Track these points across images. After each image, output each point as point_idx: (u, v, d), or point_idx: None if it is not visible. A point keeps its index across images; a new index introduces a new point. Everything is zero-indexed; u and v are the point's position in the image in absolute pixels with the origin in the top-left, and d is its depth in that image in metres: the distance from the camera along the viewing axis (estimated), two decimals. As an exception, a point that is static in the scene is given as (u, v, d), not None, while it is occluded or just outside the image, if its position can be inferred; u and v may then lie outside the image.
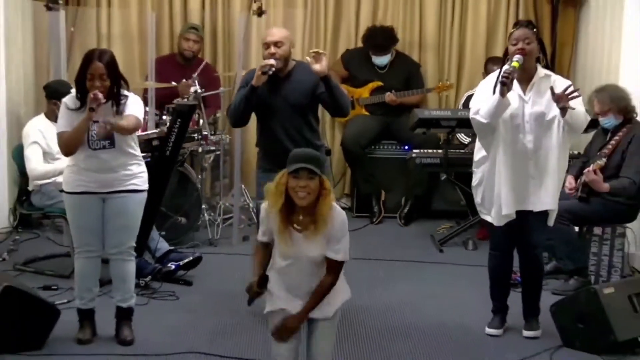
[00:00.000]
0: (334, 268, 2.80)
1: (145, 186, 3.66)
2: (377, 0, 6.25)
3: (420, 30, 6.25)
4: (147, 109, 5.19)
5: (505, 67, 3.50)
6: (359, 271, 4.71)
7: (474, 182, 3.75)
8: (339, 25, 6.29)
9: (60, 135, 3.53)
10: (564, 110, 3.45)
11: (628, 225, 4.51)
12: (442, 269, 4.86)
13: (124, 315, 3.69)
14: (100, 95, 3.39)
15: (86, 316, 3.67)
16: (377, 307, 4.18)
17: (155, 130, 4.85)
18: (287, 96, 3.74)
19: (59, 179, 4.07)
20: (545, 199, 3.60)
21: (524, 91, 3.59)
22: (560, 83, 3.59)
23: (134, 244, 3.68)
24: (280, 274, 2.84)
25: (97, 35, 6.08)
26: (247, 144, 6.03)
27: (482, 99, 3.58)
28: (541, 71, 3.61)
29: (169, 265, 4.42)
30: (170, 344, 3.65)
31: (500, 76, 3.44)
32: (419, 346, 3.70)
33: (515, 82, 3.54)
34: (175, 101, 4.88)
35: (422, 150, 5.46)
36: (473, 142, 5.02)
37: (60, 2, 5.14)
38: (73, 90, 3.58)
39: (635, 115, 4.44)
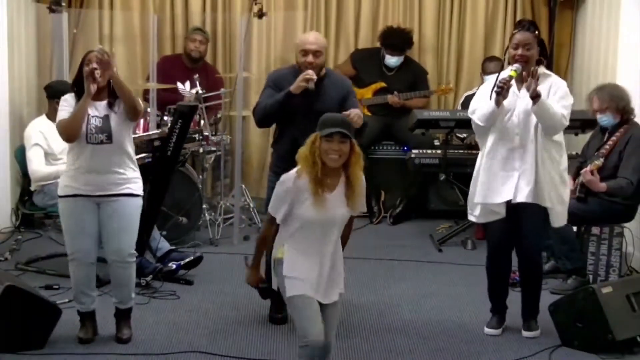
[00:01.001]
0: (352, 220, 3.08)
1: (140, 192, 3.62)
2: (377, 3, 6.27)
3: (419, 32, 6.28)
4: (149, 109, 5.24)
5: (503, 73, 3.53)
6: (358, 270, 4.74)
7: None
8: (339, 28, 6.31)
9: (59, 123, 3.48)
10: (534, 98, 3.45)
11: (626, 225, 4.52)
12: (441, 268, 4.88)
13: (122, 314, 3.71)
14: (98, 73, 3.37)
15: (87, 316, 3.68)
16: (376, 306, 4.20)
17: (156, 131, 4.87)
18: (314, 104, 3.71)
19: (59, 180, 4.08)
20: (532, 193, 3.58)
21: (519, 88, 3.62)
22: (557, 83, 3.63)
23: (134, 250, 3.63)
24: (301, 245, 2.91)
25: (99, 36, 6.11)
26: (248, 144, 6.06)
27: (481, 101, 3.62)
28: (540, 70, 3.64)
29: (170, 264, 4.45)
30: (171, 343, 3.67)
31: (496, 85, 3.48)
32: (418, 345, 3.72)
33: (513, 82, 3.58)
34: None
35: (421, 151, 5.49)
36: (469, 136, 5.05)
37: (63, 4, 5.17)
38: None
39: (633, 116, 4.46)
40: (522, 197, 3.60)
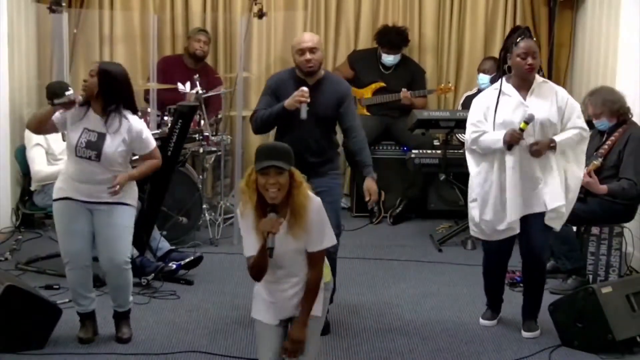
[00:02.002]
0: (317, 260, 2.78)
1: (133, 202, 3.59)
2: (377, 3, 6.28)
3: (419, 32, 6.28)
4: (149, 109, 5.24)
5: (514, 121, 3.58)
6: (358, 270, 4.75)
7: (470, 196, 3.79)
8: (339, 28, 6.32)
9: (32, 115, 3.52)
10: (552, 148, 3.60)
11: (626, 225, 4.52)
12: (441, 268, 4.89)
13: (121, 316, 3.71)
14: (74, 98, 3.39)
15: (87, 316, 3.68)
16: (376, 306, 4.20)
17: (156, 131, 4.88)
18: (311, 108, 3.70)
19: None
20: (553, 196, 3.63)
21: (525, 98, 3.65)
22: (556, 90, 3.69)
23: (128, 258, 3.60)
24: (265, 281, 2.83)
25: (99, 37, 6.11)
26: (248, 144, 6.07)
27: (479, 123, 3.67)
28: (539, 78, 3.70)
29: (170, 264, 4.45)
30: (171, 343, 3.67)
31: (511, 135, 3.53)
32: (418, 345, 3.72)
33: (514, 91, 3.65)
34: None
35: (421, 151, 5.50)
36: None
37: (63, 4, 5.18)
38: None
39: (630, 115, 4.46)
40: (552, 204, 3.63)
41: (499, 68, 3.75)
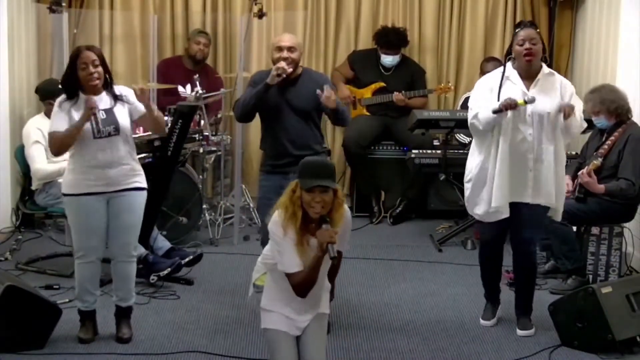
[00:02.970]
0: (341, 254, 2.97)
1: (146, 185, 3.67)
2: (377, 3, 6.28)
3: (419, 32, 6.29)
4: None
5: (497, 72, 3.58)
6: (358, 270, 4.75)
7: (466, 177, 3.81)
8: (339, 28, 6.31)
9: (52, 135, 3.52)
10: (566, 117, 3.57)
11: (625, 225, 4.52)
12: (441, 268, 4.89)
13: (122, 313, 3.71)
14: (96, 103, 3.44)
15: (87, 316, 3.68)
16: (376, 306, 4.20)
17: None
18: (292, 100, 3.86)
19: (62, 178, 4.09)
20: (543, 192, 3.64)
21: (528, 88, 3.65)
22: (566, 86, 3.68)
23: (136, 245, 3.68)
24: (279, 281, 2.86)
25: (99, 37, 6.10)
26: (248, 144, 6.07)
27: (480, 101, 3.64)
28: (545, 69, 3.69)
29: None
30: (171, 343, 3.67)
31: (505, 102, 3.52)
32: (418, 345, 3.73)
33: (519, 79, 3.64)
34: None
35: (421, 151, 5.50)
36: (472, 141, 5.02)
37: (64, 4, 5.17)
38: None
39: (630, 115, 4.46)
40: (539, 199, 3.64)
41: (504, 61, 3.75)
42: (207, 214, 5.32)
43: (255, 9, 5.46)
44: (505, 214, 3.68)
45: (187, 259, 4.47)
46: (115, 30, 6.16)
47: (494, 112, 3.55)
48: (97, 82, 3.49)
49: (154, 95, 5.38)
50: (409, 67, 6.06)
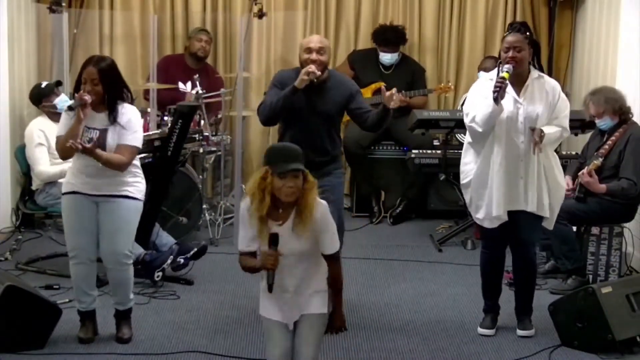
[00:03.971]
0: (334, 259, 2.87)
1: (139, 196, 3.60)
2: (377, 3, 6.28)
3: (419, 32, 6.29)
4: (149, 109, 5.24)
5: (493, 74, 3.56)
6: (358, 270, 4.75)
7: (463, 180, 3.79)
8: (339, 28, 6.32)
9: (56, 140, 3.54)
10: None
11: (626, 225, 4.52)
12: (441, 268, 4.89)
13: (122, 315, 3.71)
14: (87, 97, 3.39)
15: (87, 316, 3.68)
16: (376, 306, 4.20)
17: (156, 131, 4.88)
18: (317, 104, 3.76)
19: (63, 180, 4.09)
20: (534, 201, 3.63)
21: (518, 94, 3.65)
22: (554, 88, 3.67)
23: (130, 252, 3.61)
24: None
25: (99, 37, 6.11)
26: (248, 144, 6.07)
27: (477, 105, 3.65)
28: (534, 72, 3.68)
29: (178, 259, 4.41)
30: (171, 343, 3.67)
31: (493, 86, 3.51)
32: (418, 345, 3.73)
33: (509, 86, 3.61)
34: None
35: (421, 151, 5.50)
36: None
37: (64, 4, 5.18)
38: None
39: (631, 115, 4.46)
40: (531, 207, 3.64)
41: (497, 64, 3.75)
42: (207, 214, 5.32)
43: (255, 9, 5.47)
44: (504, 218, 3.68)
45: (192, 252, 4.45)
46: (115, 30, 6.16)
47: (494, 98, 3.50)
48: (87, 99, 3.39)
49: (154, 93, 5.37)
50: (409, 66, 6.06)
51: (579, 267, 4.45)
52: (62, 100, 4.77)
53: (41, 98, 4.93)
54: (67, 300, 4.00)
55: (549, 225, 3.78)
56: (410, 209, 5.94)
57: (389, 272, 4.79)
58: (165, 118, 5.12)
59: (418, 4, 6.27)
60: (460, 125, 5.15)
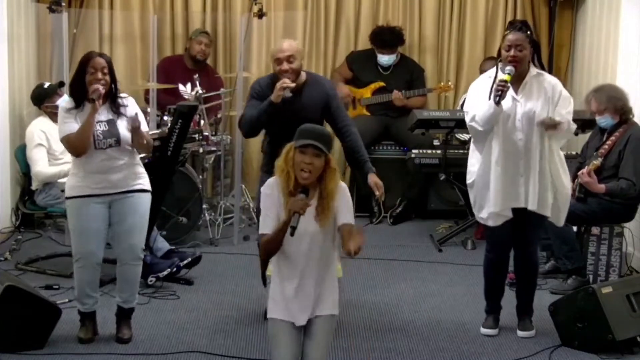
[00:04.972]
0: (348, 231, 2.82)
1: (150, 187, 3.66)
2: (377, 3, 6.28)
3: (419, 32, 6.29)
4: (149, 109, 5.24)
5: (499, 75, 3.55)
6: (358, 270, 4.75)
7: (468, 181, 3.79)
8: (339, 28, 6.32)
9: (66, 139, 3.49)
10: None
11: (626, 225, 4.52)
12: (441, 268, 4.89)
13: (124, 314, 3.71)
14: (100, 87, 3.42)
15: (87, 317, 3.68)
16: (376, 306, 4.20)
17: (156, 131, 4.87)
18: (297, 111, 3.71)
19: (63, 179, 4.09)
20: (536, 199, 3.62)
21: (516, 91, 3.64)
22: (554, 85, 3.65)
23: (144, 247, 3.67)
24: (280, 264, 2.83)
25: (99, 37, 6.11)
26: (248, 144, 6.07)
27: (477, 104, 3.64)
28: (533, 70, 3.66)
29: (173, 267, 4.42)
30: (171, 343, 3.67)
31: (495, 87, 3.50)
32: (418, 345, 3.73)
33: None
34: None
35: (421, 151, 5.51)
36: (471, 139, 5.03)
37: (63, 4, 5.17)
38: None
39: (632, 115, 4.46)
40: (532, 206, 3.63)
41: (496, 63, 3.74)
42: (207, 214, 5.32)
43: (255, 9, 5.46)
44: (507, 215, 3.67)
45: (185, 261, 4.46)
46: (115, 30, 6.16)
47: (496, 102, 3.50)
48: (102, 89, 3.44)
49: (154, 93, 5.37)
50: (408, 66, 6.06)
51: (579, 267, 4.45)
52: (65, 101, 4.77)
53: (43, 98, 4.93)
54: (67, 300, 4.00)
55: (559, 221, 3.75)
56: (410, 209, 5.94)
57: (389, 272, 4.79)
58: (165, 118, 5.11)
59: (418, 4, 6.27)
60: (460, 125, 5.16)
